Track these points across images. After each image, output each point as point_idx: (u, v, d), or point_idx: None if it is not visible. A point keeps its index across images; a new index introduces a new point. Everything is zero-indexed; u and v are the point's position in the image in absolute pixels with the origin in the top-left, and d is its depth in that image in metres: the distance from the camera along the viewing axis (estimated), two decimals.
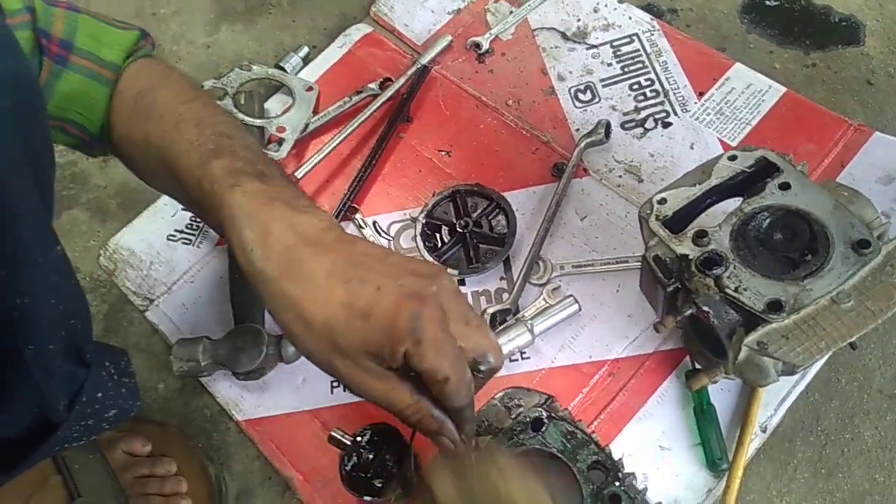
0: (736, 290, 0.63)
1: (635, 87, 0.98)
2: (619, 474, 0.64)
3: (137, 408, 0.66)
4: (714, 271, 0.64)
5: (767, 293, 0.62)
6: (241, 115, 0.97)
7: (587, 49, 1.02)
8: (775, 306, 0.61)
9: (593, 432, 0.70)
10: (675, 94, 0.96)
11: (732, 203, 0.69)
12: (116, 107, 0.56)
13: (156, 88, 0.57)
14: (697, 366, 0.75)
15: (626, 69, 0.99)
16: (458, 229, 0.88)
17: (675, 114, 0.94)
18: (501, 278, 0.87)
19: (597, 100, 0.98)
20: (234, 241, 0.49)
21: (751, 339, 0.61)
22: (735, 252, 0.65)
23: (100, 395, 0.61)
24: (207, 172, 0.50)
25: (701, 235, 0.66)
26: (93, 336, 0.60)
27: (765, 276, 0.63)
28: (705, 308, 0.64)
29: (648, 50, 1.00)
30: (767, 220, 0.66)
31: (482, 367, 0.53)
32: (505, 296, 0.85)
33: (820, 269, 0.62)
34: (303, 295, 0.47)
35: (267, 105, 1.03)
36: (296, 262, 0.47)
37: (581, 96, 0.98)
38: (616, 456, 0.66)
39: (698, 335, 0.71)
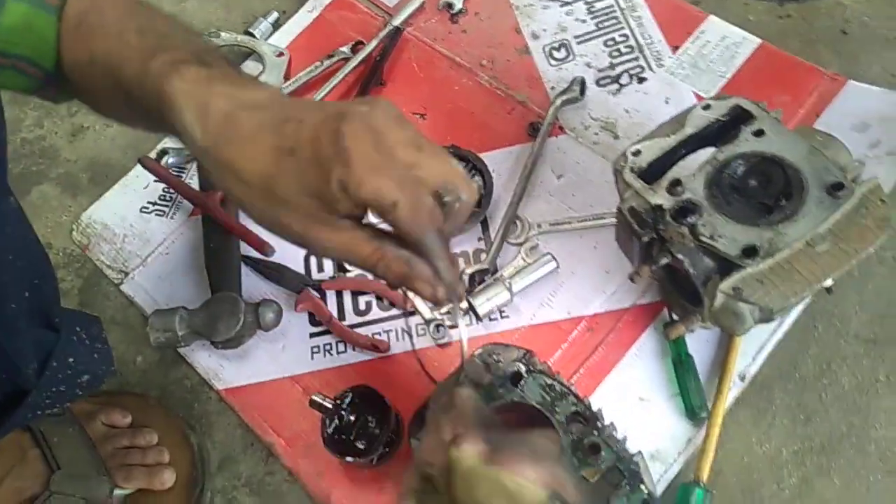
0: (711, 237, 0.63)
1: (610, 43, 0.97)
2: (599, 424, 0.64)
3: (112, 373, 0.65)
4: (689, 220, 0.64)
5: (742, 239, 0.62)
6: None
7: (561, 6, 1.01)
8: (750, 251, 0.61)
9: (572, 384, 0.70)
10: (649, 48, 0.95)
11: (707, 154, 0.69)
12: (63, 34, 0.53)
13: (98, 7, 0.54)
14: (675, 317, 0.75)
15: (600, 25, 0.98)
16: None
17: (650, 69, 0.94)
18: (479, 239, 0.86)
19: (571, 57, 0.96)
20: (178, 129, 0.47)
21: (726, 284, 0.62)
22: (709, 200, 0.65)
23: (72, 360, 0.60)
24: (149, 71, 0.48)
25: (675, 184, 0.66)
26: (61, 301, 0.59)
27: (739, 222, 0.63)
28: (680, 256, 0.63)
29: (622, 5, 0.99)
30: (742, 167, 0.66)
31: (448, 200, 0.45)
32: (483, 256, 0.84)
33: (795, 213, 0.62)
34: (237, 154, 0.45)
35: None
36: (231, 126, 0.45)
37: (555, 54, 0.97)
38: (595, 408, 0.66)
39: (675, 285, 0.71)
